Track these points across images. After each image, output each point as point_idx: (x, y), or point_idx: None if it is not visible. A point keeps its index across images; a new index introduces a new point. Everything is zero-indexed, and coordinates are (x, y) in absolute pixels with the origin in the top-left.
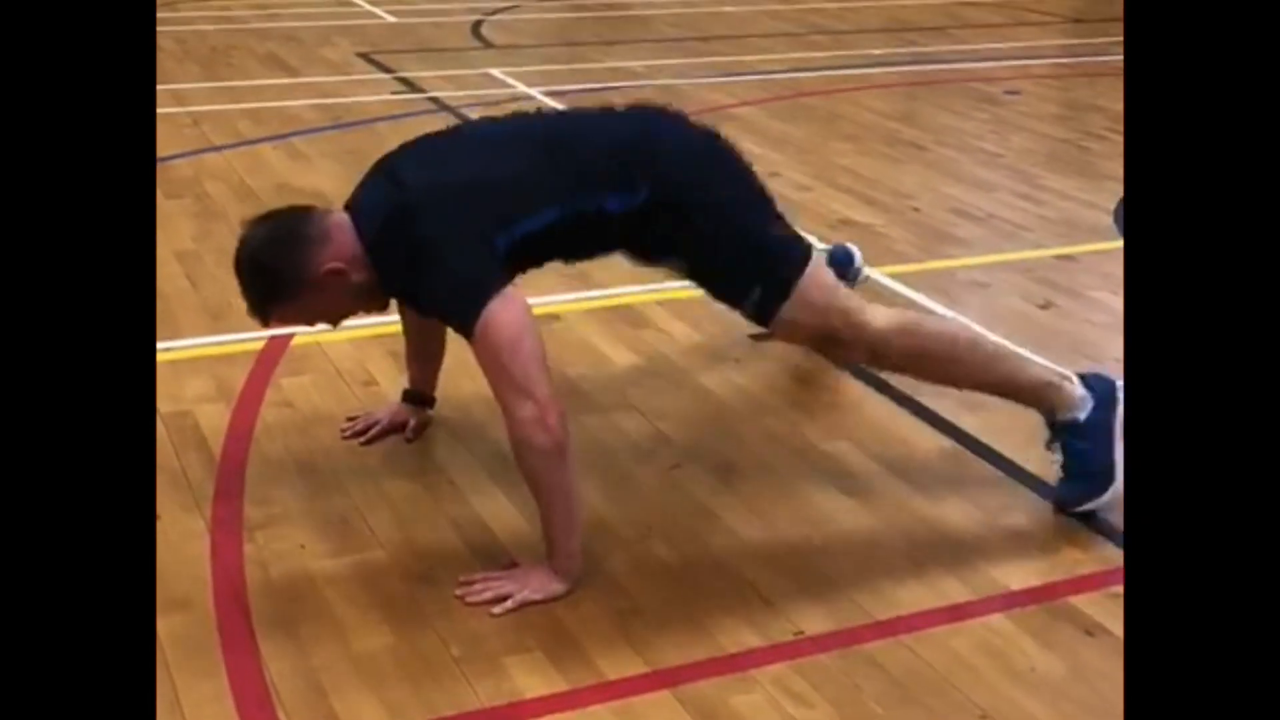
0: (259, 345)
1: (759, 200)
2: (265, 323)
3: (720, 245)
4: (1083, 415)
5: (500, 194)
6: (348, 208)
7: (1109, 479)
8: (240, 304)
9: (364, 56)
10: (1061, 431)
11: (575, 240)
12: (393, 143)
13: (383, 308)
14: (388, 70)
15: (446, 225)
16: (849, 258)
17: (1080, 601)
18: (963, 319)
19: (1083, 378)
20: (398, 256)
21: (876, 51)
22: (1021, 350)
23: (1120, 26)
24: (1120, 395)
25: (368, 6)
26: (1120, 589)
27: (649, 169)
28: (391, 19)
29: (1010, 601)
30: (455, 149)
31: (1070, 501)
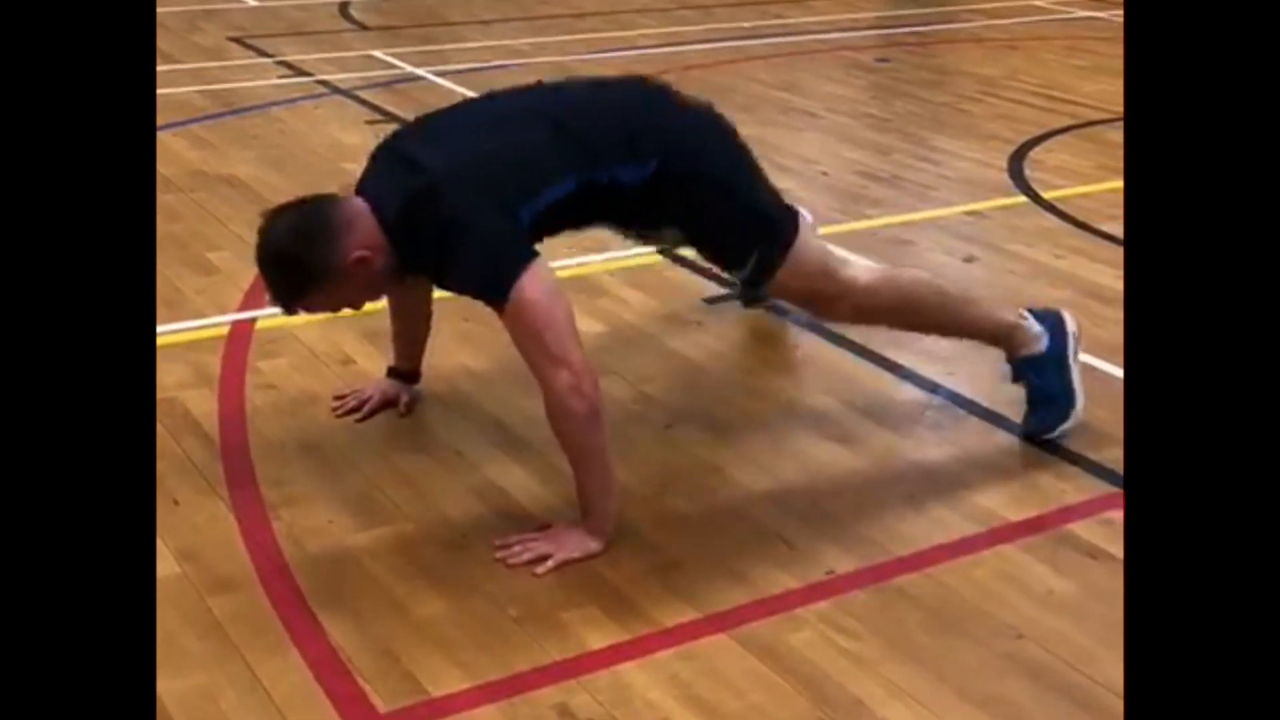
0: (223, 330)
1: (753, 170)
2: (290, 312)
3: (723, 214)
4: (1040, 348)
5: (519, 168)
6: (358, 193)
7: (1071, 403)
8: (191, 292)
9: (237, 41)
10: (1023, 366)
11: (588, 210)
12: (293, 126)
13: (402, 291)
14: (266, 54)
15: (471, 203)
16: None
17: (1077, 528)
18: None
19: (1033, 313)
20: (423, 237)
21: (746, 24)
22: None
23: None
24: (1070, 324)
25: None
26: (1111, 515)
27: (656, 140)
28: (254, 2)
29: (1015, 532)
30: (465, 127)
31: (1041, 429)
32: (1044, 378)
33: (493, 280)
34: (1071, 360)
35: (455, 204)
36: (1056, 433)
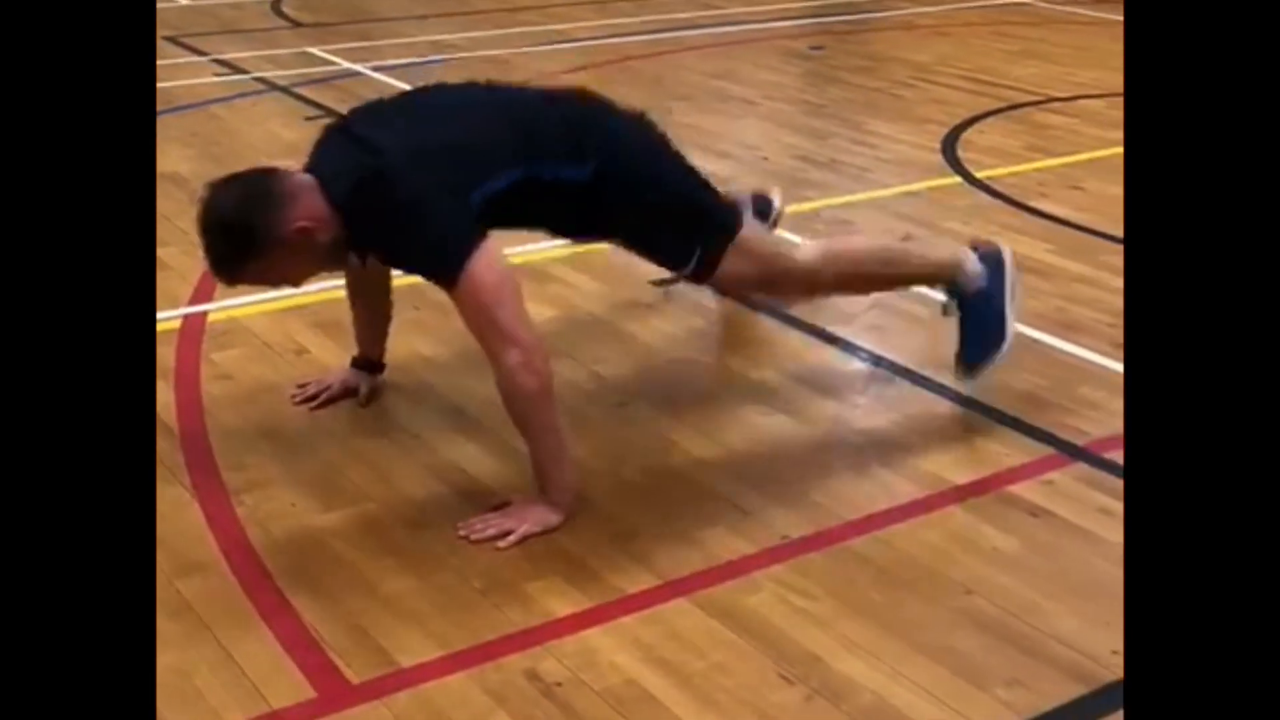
0: (175, 324)
1: (689, 171)
2: (231, 283)
3: (664, 215)
4: (979, 285)
5: (469, 152)
6: (308, 170)
7: (1003, 337)
8: None
9: (171, 40)
10: (961, 298)
11: (531, 206)
12: (232, 124)
13: (343, 266)
14: (201, 53)
15: (424, 185)
16: (768, 205)
17: (1018, 489)
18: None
19: (976, 249)
20: (375, 218)
21: (682, 15)
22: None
23: None
24: (1008, 261)
25: None
26: (1050, 475)
27: (596, 143)
28: (185, 1)
29: (959, 494)
30: (417, 113)
31: (974, 364)
32: (979, 313)
33: (444, 260)
34: (1008, 297)
35: (409, 185)
36: (988, 366)
